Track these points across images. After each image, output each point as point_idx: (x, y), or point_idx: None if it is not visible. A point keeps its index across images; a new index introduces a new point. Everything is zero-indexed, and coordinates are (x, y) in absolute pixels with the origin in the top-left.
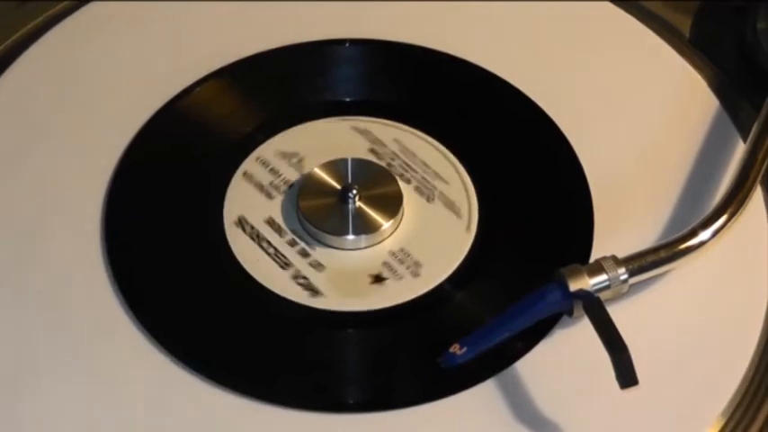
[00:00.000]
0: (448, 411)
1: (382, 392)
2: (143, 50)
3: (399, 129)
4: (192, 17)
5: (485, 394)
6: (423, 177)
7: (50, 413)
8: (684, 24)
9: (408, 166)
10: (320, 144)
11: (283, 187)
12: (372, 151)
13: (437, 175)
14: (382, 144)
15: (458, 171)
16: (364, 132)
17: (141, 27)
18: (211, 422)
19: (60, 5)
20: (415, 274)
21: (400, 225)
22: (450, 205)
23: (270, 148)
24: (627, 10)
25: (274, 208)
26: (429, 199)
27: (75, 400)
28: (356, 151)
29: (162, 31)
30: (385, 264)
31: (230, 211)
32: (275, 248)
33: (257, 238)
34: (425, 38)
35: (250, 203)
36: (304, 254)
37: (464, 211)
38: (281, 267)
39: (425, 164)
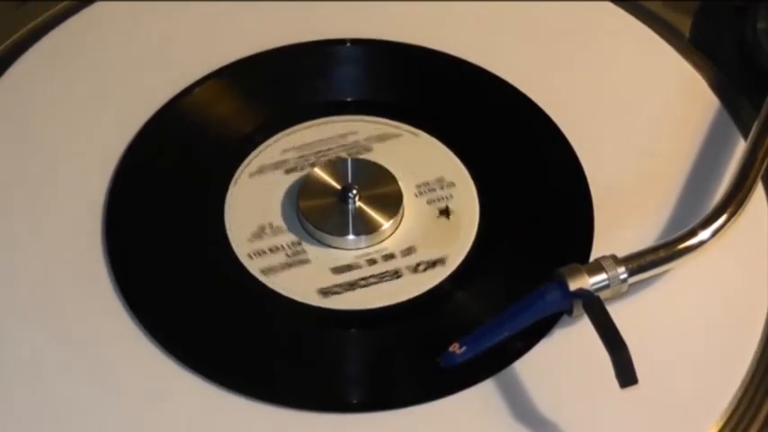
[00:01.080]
0: (448, 411)
1: (382, 392)
2: (143, 50)
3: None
4: (192, 17)
5: (485, 394)
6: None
7: (50, 413)
8: (684, 24)
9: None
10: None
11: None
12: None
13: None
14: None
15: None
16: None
17: (141, 27)
18: (211, 422)
19: (60, 6)
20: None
21: (400, 225)
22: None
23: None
24: (627, 10)
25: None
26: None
27: (75, 400)
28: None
29: (162, 31)
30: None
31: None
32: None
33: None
34: (425, 38)
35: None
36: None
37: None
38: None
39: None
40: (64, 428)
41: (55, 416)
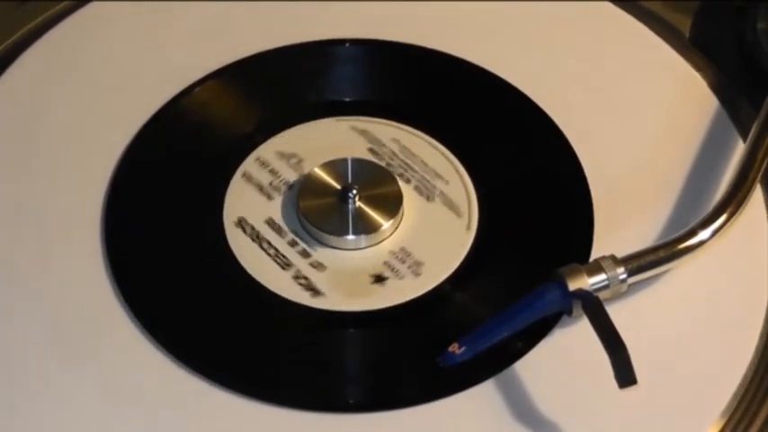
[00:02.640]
0: (448, 411)
1: (382, 392)
2: (143, 50)
3: (398, 128)
4: (192, 17)
5: (485, 394)
6: (422, 177)
7: (50, 413)
8: (684, 24)
9: (408, 165)
10: (320, 144)
11: (283, 188)
12: (371, 151)
13: (437, 175)
14: (381, 144)
15: (458, 171)
16: (363, 132)
17: (141, 27)
18: (211, 422)
19: (60, 5)
20: (416, 274)
21: (400, 225)
22: (450, 204)
23: (269, 149)
24: (627, 10)
25: (274, 208)
26: (429, 198)
27: (74, 400)
28: (355, 151)
29: (161, 31)
30: (386, 263)
31: (230, 212)
32: (276, 249)
33: (257, 238)
34: (425, 38)
35: (250, 204)
36: (305, 254)
37: (464, 211)
38: (282, 268)
39: (425, 163)
40: (63, 429)
41: (55, 416)
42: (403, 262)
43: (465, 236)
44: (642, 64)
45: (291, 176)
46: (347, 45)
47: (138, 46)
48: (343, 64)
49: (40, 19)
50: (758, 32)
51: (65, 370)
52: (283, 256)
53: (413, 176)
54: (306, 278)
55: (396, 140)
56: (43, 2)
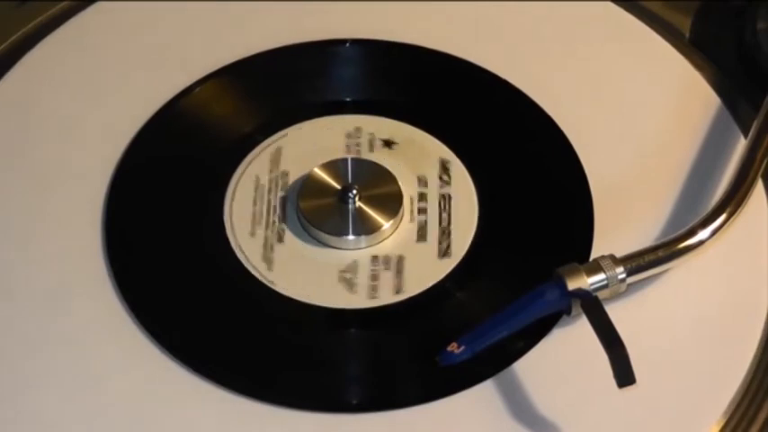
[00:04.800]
0: (448, 411)
1: (382, 392)
2: (143, 50)
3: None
4: (192, 17)
5: (485, 394)
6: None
7: (50, 413)
8: (684, 24)
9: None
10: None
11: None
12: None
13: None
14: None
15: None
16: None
17: (141, 27)
18: (211, 422)
19: (60, 6)
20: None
21: (400, 225)
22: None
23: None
24: (627, 10)
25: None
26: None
27: (74, 400)
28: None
29: (162, 31)
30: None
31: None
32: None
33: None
34: (425, 38)
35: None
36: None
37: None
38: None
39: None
40: (64, 428)
41: (54, 416)
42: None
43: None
44: (642, 64)
45: (291, 177)
46: (347, 45)
47: (138, 46)
48: (343, 64)
49: (40, 19)
50: (758, 33)
51: (64, 370)
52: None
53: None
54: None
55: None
56: (43, 2)
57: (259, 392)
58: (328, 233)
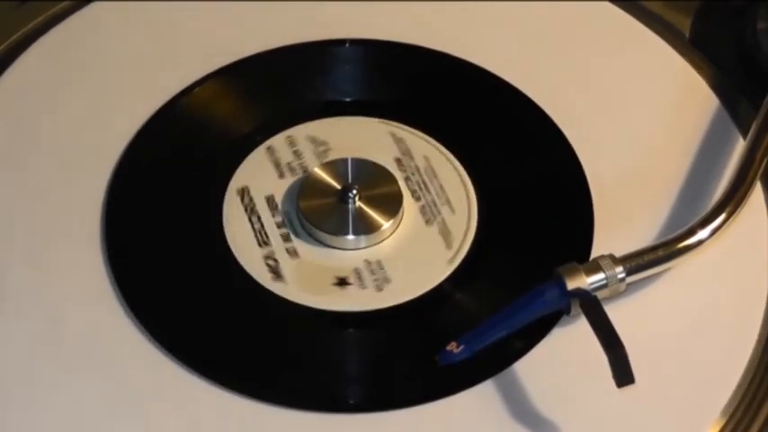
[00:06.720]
0: (448, 412)
1: (382, 392)
2: (142, 50)
3: (434, 147)
4: (192, 17)
5: (485, 394)
6: (433, 200)
7: (50, 413)
8: (684, 24)
9: (425, 185)
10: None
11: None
12: (398, 161)
13: (447, 202)
14: (411, 156)
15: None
16: (399, 140)
17: (141, 27)
18: (211, 422)
19: (60, 5)
20: (379, 289)
21: (400, 225)
22: (445, 233)
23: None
24: (627, 10)
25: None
26: (428, 222)
27: (74, 400)
28: (384, 155)
29: (162, 31)
30: (356, 270)
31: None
32: (275, 248)
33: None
34: (425, 38)
35: (259, 177)
36: (286, 238)
37: (456, 244)
38: (259, 245)
39: (442, 188)
40: (63, 429)
41: (54, 416)
42: (373, 273)
43: (443, 268)
44: (642, 64)
45: (292, 176)
46: (347, 45)
47: (138, 46)
48: (342, 64)
49: (39, 19)
50: (758, 33)
51: (64, 370)
52: (266, 234)
53: (424, 196)
54: (275, 261)
55: (426, 158)
56: (43, 2)
57: (259, 392)
58: (328, 233)
